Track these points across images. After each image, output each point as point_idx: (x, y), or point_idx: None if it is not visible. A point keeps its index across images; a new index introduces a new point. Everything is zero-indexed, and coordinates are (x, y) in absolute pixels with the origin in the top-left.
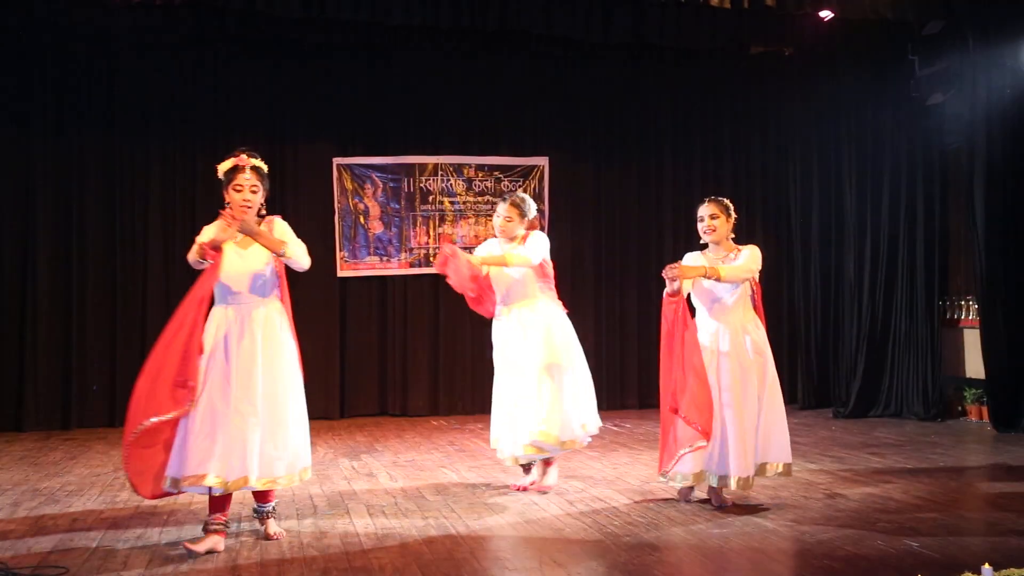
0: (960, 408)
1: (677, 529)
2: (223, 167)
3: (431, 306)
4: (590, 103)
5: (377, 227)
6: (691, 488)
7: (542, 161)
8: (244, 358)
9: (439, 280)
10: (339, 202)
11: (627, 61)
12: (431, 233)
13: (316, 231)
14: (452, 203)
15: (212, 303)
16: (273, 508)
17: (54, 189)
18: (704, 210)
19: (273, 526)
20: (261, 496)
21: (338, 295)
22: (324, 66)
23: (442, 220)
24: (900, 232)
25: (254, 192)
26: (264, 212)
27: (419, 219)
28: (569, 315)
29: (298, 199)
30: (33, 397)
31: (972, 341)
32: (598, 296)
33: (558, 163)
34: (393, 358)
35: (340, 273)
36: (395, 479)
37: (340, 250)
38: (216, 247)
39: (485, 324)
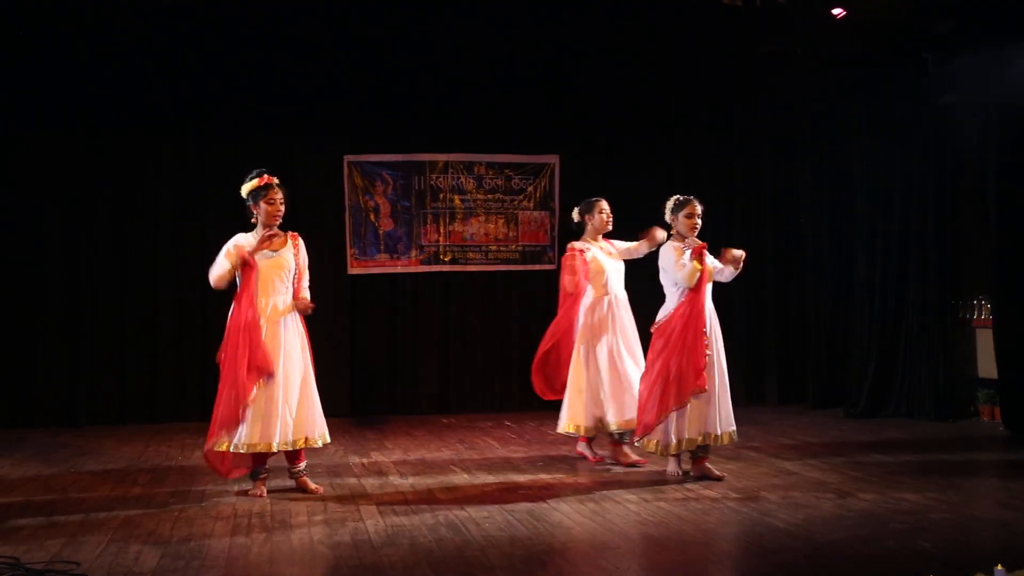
0: (972, 408)
1: (686, 527)
2: (249, 187)
3: (441, 304)
4: (601, 101)
5: (387, 224)
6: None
7: (553, 159)
8: (289, 341)
9: (449, 277)
10: (349, 199)
11: (638, 59)
12: (441, 231)
13: (327, 228)
14: (463, 200)
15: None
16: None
17: (64, 186)
18: (698, 208)
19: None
20: (296, 458)
21: (348, 293)
22: (334, 63)
23: (452, 218)
24: (911, 231)
25: (283, 204)
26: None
27: (429, 216)
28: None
29: (309, 196)
30: (44, 393)
31: (984, 341)
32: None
33: (569, 161)
34: (403, 356)
35: (350, 271)
36: (405, 477)
37: (350, 247)
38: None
39: (494, 321)
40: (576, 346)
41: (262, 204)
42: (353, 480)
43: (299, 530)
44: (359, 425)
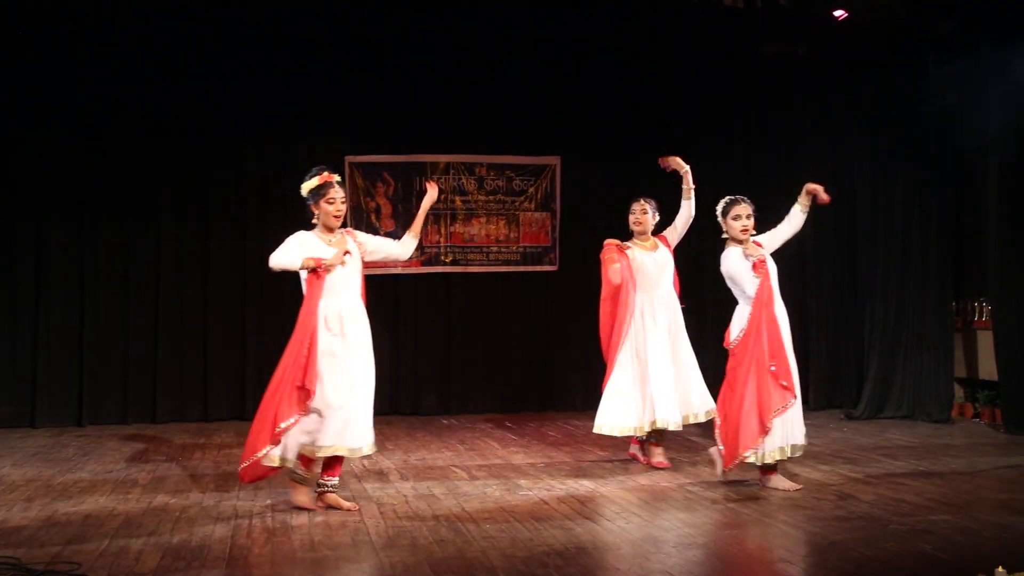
0: (974, 410)
1: (689, 530)
2: (309, 185)
3: (443, 305)
4: (602, 102)
5: (389, 225)
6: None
7: (554, 160)
8: (354, 346)
9: (451, 278)
10: (351, 200)
11: (640, 60)
12: (443, 232)
13: None
14: (464, 202)
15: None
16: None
17: (64, 185)
18: (745, 209)
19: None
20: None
21: None
22: (336, 64)
23: (454, 219)
24: (913, 232)
25: (343, 203)
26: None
27: (431, 218)
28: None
29: None
30: (46, 394)
31: (985, 343)
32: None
33: (570, 162)
34: (404, 356)
35: None
36: (406, 478)
37: None
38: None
39: (495, 323)
40: (620, 345)
41: (322, 204)
42: (354, 481)
43: (300, 531)
44: None
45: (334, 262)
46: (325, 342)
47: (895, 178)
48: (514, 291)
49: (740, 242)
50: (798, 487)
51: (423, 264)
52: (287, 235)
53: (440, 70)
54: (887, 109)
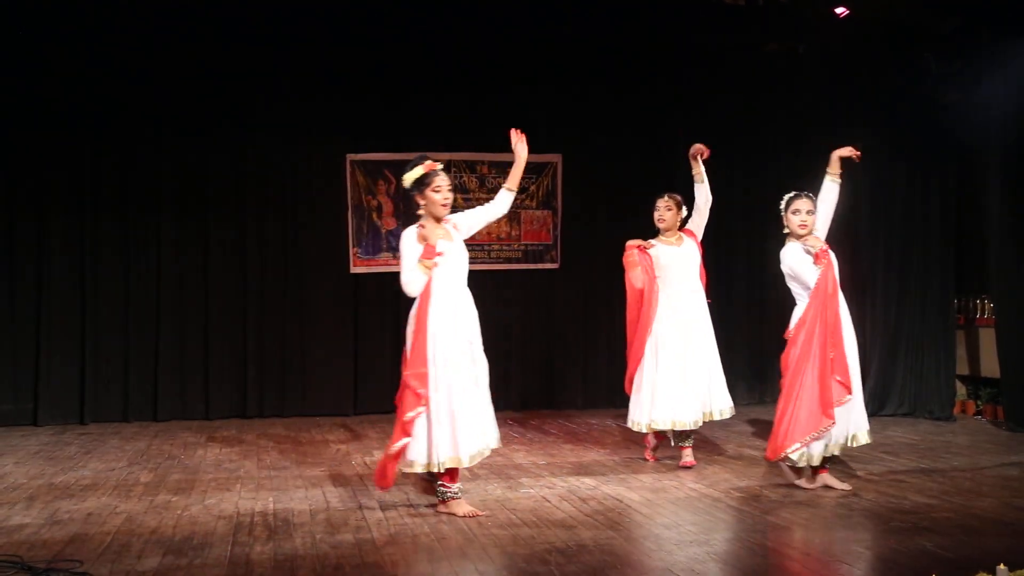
0: (976, 407)
1: (691, 527)
2: (413, 175)
3: None
4: (603, 100)
5: (390, 223)
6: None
7: (555, 158)
8: (471, 341)
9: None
10: (352, 198)
11: (641, 58)
12: None
13: (329, 227)
14: (465, 199)
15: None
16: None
17: (66, 184)
18: (805, 204)
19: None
20: (453, 476)
21: (351, 291)
22: (337, 62)
23: None
24: (914, 230)
25: (451, 191)
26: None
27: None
28: (579, 312)
29: (311, 195)
30: (48, 391)
31: (987, 340)
32: (610, 293)
33: (572, 160)
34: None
35: (353, 269)
36: (407, 475)
37: (353, 246)
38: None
39: (496, 320)
40: (644, 343)
41: (428, 193)
42: (355, 479)
43: (301, 529)
44: (362, 423)
45: (430, 258)
46: (442, 343)
47: (896, 175)
48: (515, 289)
49: (799, 237)
50: (848, 488)
51: None
52: (287, 233)
53: (441, 68)
54: (889, 107)
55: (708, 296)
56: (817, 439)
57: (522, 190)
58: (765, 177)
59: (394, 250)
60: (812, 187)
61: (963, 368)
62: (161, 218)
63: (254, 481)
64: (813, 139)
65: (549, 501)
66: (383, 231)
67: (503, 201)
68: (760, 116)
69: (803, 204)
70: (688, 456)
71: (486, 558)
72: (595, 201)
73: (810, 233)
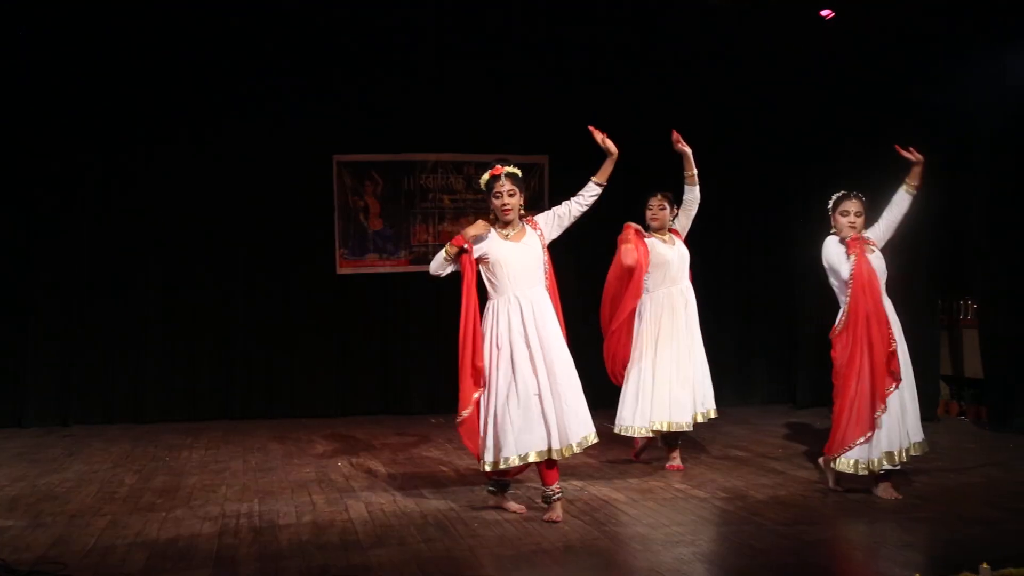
0: (959, 408)
1: (677, 528)
2: (483, 180)
3: (431, 304)
4: (590, 101)
5: (377, 224)
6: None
7: (542, 159)
8: (539, 342)
9: (440, 277)
10: (339, 199)
11: (627, 59)
12: (431, 230)
13: (316, 228)
14: (452, 200)
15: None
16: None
17: (53, 186)
18: (854, 205)
19: (559, 510)
20: (550, 477)
21: (338, 293)
22: (324, 63)
23: (442, 218)
24: (898, 232)
25: (511, 196)
26: (523, 213)
27: (419, 216)
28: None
29: (298, 196)
30: (32, 393)
31: (970, 341)
32: (597, 295)
33: (558, 161)
34: (393, 355)
35: (340, 271)
36: (394, 477)
37: (340, 247)
38: (474, 238)
39: None
40: (636, 343)
41: (491, 199)
42: (342, 480)
43: (287, 530)
44: (348, 425)
45: (473, 232)
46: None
47: (881, 177)
48: None
49: (845, 239)
50: (899, 496)
51: (411, 263)
52: (273, 234)
53: (428, 68)
54: (872, 111)
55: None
56: (868, 441)
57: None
58: (750, 178)
59: (381, 251)
60: (799, 189)
61: (947, 368)
62: (145, 218)
63: (240, 483)
64: (799, 142)
65: (535, 502)
66: (369, 232)
67: (591, 194)
68: (745, 116)
69: (852, 205)
70: (677, 459)
71: (472, 560)
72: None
73: (856, 233)
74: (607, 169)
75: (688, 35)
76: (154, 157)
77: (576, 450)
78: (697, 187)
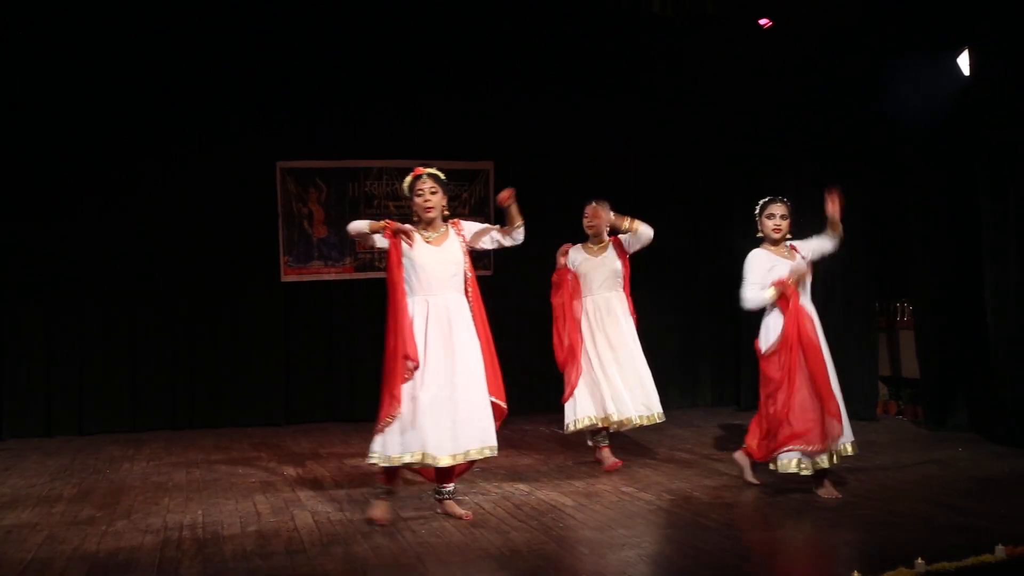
0: (897, 407)
1: (622, 531)
2: (405, 184)
3: (377, 310)
4: (535, 107)
5: (322, 231)
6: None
7: (488, 165)
8: (443, 347)
9: (385, 284)
10: (283, 206)
11: (573, 65)
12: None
13: (260, 236)
14: (397, 207)
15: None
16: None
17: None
18: (779, 209)
19: (459, 507)
20: (444, 476)
21: (282, 300)
22: (266, 68)
23: None
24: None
25: (433, 193)
26: (447, 213)
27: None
28: (513, 319)
29: (241, 203)
30: None
31: (907, 342)
32: (544, 300)
33: (504, 167)
34: (339, 363)
35: (284, 278)
36: (340, 485)
37: (284, 255)
38: (398, 232)
39: None
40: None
41: (414, 198)
42: (287, 490)
43: (231, 541)
44: (294, 433)
45: (404, 228)
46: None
47: (819, 181)
48: None
49: (773, 243)
50: (839, 495)
51: (356, 270)
52: (217, 241)
53: (372, 74)
54: (818, 117)
55: (631, 303)
56: (821, 451)
57: (455, 197)
58: (695, 185)
59: (326, 259)
60: (738, 205)
61: (885, 369)
62: (84, 226)
63: (183, 494)
64: (744, 149)
65: (483, 508)
66: (314, 239)
67: (506, 241)
68: (689, 122)
69: (777, 208)
70: (611, 455)
71: (419, 566)
72: (528, 208)
73: (784, 239)
74: (513, 214)
75: (633, 44)
76: (92, 162)
77: (462, 459)
78: (643, 230)
